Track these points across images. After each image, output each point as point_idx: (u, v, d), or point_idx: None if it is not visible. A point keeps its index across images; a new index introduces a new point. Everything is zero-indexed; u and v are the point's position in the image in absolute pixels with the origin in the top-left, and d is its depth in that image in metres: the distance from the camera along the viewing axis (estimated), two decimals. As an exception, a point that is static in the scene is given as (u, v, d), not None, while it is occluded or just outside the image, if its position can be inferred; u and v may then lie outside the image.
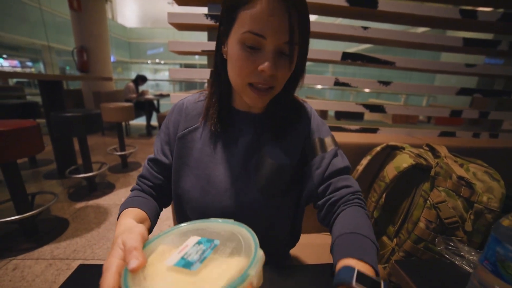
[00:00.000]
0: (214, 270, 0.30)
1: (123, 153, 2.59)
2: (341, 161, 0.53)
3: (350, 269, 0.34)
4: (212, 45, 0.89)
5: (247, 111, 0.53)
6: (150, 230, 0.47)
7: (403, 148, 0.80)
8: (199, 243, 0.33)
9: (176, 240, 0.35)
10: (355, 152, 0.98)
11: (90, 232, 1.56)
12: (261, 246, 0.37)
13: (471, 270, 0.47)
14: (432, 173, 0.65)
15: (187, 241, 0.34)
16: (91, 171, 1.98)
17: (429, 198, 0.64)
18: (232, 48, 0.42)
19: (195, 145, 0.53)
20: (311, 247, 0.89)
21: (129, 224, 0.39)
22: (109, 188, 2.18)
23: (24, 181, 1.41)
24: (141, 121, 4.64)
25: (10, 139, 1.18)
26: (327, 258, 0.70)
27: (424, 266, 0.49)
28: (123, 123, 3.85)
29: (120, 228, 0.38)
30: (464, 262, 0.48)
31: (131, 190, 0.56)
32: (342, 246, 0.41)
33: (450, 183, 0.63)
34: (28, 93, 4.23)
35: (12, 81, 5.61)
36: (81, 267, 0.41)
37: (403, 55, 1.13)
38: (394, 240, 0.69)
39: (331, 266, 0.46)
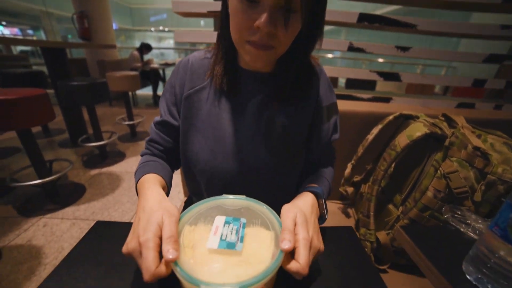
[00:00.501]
0: (253, 247, 0.32)
1: (131, 122, 2.62)
2: (337, 134, 0.59)
3: (323, 191, 0.49)
4: (218, 5, 0.82)
5: (255, 70, 0.50)
6: (167, 195, 0.47)
7: (418, 117, 0.76)
8: (227, 222, 0.35)
9: (199, 220, 0.35)
10: (366, 121, 0.95)
11: (106, 197, 1.66)
12: (273, 205, 0.39)
13: (475, 237, 0.47)
14: (447, 143, 0.62)
15: (215, 221, 0.34)
16: (101, 140, 2.04)
17: (440, 168, 0.62)
18: (232, 0, 0.38)
19: (202, 106, 0.51)
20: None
21: (163, 198, 0.38)
22: (120, 156, 2.26)
23: (41, 149, 1.47)
24: (147, 91, 4.61)
25: (22, 107, 1.20)
26: (332, 224, 0.71)
27: (428, 232, 0.50)
28: (130, 93, 3.84)
29: (153, 197, 0.37)
30: (470, 229, 0.49)
31: (141, 155, 0.56)
32: (312, 180, 0.54)
33: (464, 154, 0.60)
34: (33, 63, 4.18)
35: (16, 50, 5.53)
36: (98, 223, 0.44)
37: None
38: (400, 208, 0.70)
39: (341, 228, 0.48)
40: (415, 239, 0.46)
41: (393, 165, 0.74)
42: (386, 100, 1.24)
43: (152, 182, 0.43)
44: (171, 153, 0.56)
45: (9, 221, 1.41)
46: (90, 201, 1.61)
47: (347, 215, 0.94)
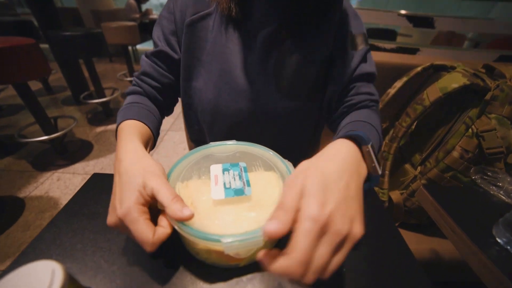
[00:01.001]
0: (260, 189, 0.29)
1: (133, 78, 2.51)
2: (369, 66, 0.45)
3: (366, 135, 0.29)
4: None
5: None
6: (152, 147, 0.41)
7: (453, 68, 0.65)
8: (226, 170, 0.31)
9: (191, 174, 0.31)
10: (388, 74, 0.84)
11: (113, 153, 1.69)
12: (282, 155, 0.35)
13: (507, 200, 0.43)
14: (488, 96, 0.53)
15: (211, 171, 0.30)
16: (104, 96, 1.97)
17: (473, 126, 0.55)
18: None
19: (208, 35, 0.43)
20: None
21: (141, 154, 0.30)
22: (125, 114, 2.22)
23: (45, 107, 1.44)
24: (148, 46, 4.33)
25: (12, 57, 1.11)
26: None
27: (453, 193, 0.46)
28: (130, 48, 3.61)
29: (128, 156, 0.30)
30: (502, 192, 0.44)
31: (127, 93, 0.47)
32: (350, 128, 0.38)
33: (507, 110, 0.52)
34: (21, 12, 3.87)
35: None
36: (95, 176, 0.41)
37: None
38: (419, 168, 0.65)
39: None
40: (439, 199, 0.42)
41: (415, 122, 0.67)
42: (413, 51, 1.09)
43: (130, 133, 0.35)
44: (166, 91, 0.48)
45: (26, 175, 1.47)
46: (98, 157, 1.64)
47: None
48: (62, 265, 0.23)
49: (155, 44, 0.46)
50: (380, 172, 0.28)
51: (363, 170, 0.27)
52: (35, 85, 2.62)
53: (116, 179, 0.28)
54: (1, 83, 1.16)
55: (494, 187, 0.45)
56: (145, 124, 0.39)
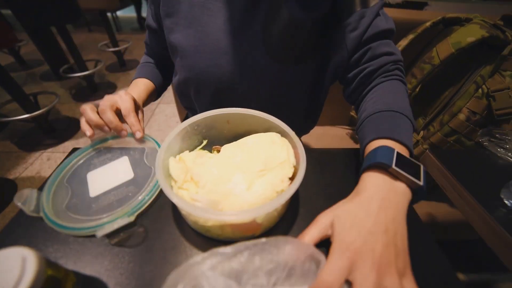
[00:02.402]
0: (266, 151, 0.27)
1: (116, 49, 2.31)
2: (385, 22, 0.39)
3: (388, 150, 0.27)
4: None
5: None
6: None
7: (468, 20, 0.59)
8: None
9: (182, 147, 0.30)
10: (393, 33, 0.77)
11: (103, 130, 1.62)
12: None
13: (516, 161, 0.41)
14: (506, 52, 0.48)
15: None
16: (86, 69, 1.83)
17: (483, 86, 0.51)
18: None
19: None
20: (325, 138, 0.86)
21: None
22: (111, 88, 2.10)
23: (21, 83, 1.33)
24: (130, 12, 3.95)
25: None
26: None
27: (460, 156, 0.44)
28: (110, 15, 3.27)
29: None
30: (510, 154, 0.42)
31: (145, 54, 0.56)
32: (375, 124, 0.34)
33: (523, 65, 0.48)
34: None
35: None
36: (74, 150, 0.37)
37: None
38: (421, 132, 0.62)
39: (357, 150, 0.41)
40: (445, 163, 0.40)
41: (420, 84, 0.62)
42: (420, 5, 0.99)
43: (137, 86, 0.47)
44: (165, 60, 0.53)
45: (13, 156, 1.42)
46: (88, 135, 1.58)
47: (356, 141, 0.88)
48: (35, 251, 0.20)
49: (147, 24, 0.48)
50: (422, 183, 0.26)
51: (401, 192, 0.26)
52: (5, 59, 2.41)
53: None
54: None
55: (502, 149, 0.43)
56: (149, 79, 0.51)
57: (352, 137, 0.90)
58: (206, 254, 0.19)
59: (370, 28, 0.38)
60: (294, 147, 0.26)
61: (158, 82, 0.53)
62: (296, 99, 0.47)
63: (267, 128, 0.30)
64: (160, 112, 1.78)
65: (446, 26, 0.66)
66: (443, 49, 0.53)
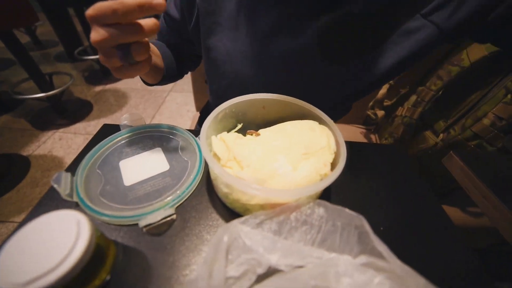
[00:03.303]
0: (307, 136, 0.27)
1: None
2: None
3: None
4: None
5: None
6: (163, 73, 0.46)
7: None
8: None
9: (221, 128, 0.31)
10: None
11: (114, 114, 1.63)
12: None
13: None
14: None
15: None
16: (100, 53, 1.84)
17: (513, 90, 0.50)
18: None
19: None
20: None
21: None
22: (123, 73, 2.11)
23: (37, 63, 1.34)
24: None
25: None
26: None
27: (484, 159, 0.44)
28: None
29: None
30: (538, 160, 0.42)
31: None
32: None
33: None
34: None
35: None
36: (105, 126, 0.38)
37: None
38: (441, 135, 0.62)
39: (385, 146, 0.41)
40: (470, 164, 0.40)
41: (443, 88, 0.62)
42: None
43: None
44: (177, 53, 0.49)
45: (27, 133, 1.44)
46: (99, 117, 1.59)
47: (369, 140, 0.88)
48: (86, 216, 0.21)
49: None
50: None
51: None
52: (22, 38, 2.43)
53: None
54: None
55: (528, 155, 0.43)
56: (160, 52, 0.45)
57: (366, 136, 0.89)
58: (248, 216, 0.21)
59: None
60: (333, 134, 0.27)
61: (167, 65, 0.47)
62: (333, 96, 0.44)
63: (301, 116, 0.30)
64: (172, 100, 1.79)
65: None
66: (474, 52, 0.52)
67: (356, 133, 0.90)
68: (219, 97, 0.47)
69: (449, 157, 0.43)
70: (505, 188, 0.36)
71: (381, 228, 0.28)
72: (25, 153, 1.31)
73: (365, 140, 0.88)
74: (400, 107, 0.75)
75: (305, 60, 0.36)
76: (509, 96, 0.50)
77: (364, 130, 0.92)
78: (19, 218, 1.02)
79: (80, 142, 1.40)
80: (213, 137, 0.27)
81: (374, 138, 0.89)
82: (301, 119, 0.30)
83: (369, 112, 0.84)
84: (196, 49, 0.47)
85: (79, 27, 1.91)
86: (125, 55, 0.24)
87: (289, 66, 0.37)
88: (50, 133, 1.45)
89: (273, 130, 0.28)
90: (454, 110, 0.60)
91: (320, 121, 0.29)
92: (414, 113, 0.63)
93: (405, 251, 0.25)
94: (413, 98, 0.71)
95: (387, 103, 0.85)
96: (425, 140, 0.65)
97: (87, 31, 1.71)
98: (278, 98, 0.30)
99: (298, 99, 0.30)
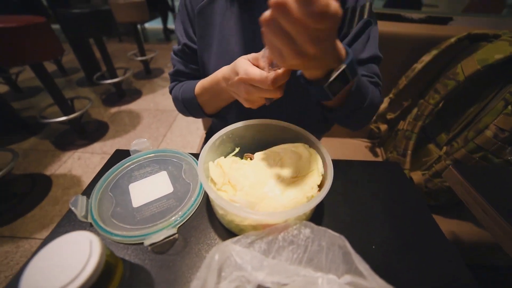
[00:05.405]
0: (295, 161, 0.29)
1: (144, 58, 2.48)
2: (364, 48, 0.41)
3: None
4: None
5: None
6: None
7: (497, 37, 0.58)
8: None
9: (218, 153, 0.33)
10: (414, 48, 0.77)
11: (128, 133, 1.72)
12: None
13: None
14: (535, 68, 0.48)
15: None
16: (116, 76, 1.98)
17: (512, 102, 0.50)
18: None
19: (215, 19, 0.43)
20: (345, 149, 0.87)
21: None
22: (137, 94, 2.24)
23: (61, 88, 1.48)
24: (157, 24, 4.21)
25: (25, 37, 1.11)
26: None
27: (485, 173, 0.43)
28: (139, 27, 3.52)
29: (218, 75, 0.38)
30: (541, 173, 0.41)
31: (171, 89, 0.52)
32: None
33: (555, 82, 0.47)
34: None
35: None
36: (117, 151, 0.42)
37: None
38: (444, 148, 0.61)
39: (378, 163, 0.42)
40: (470, 179, 0.40)
41: (442, 101, 0.62)
42: (444, 20, 0.99)
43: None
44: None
45: (50, 154, 1.55)
46: (114, 137, 1.69)
47: (375, 154, 0.88)
48: (98, 236, 0.24)
49: (178, 40, 0.49)
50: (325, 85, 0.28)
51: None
52: (49, 67, 2.66)
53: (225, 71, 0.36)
54: (18, 64, 1.18)
55: (532, 168, 0.42)
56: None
57: (371, 150, 0.89)
58: (240, 236, 0.22)
59: (354, 49, 0.40)
60: (321, 156, 0.29)
61: None
62: (310, 111, 0.49)
63: (294, 138, 0.33)
64: (182, 118, 1.87)
65: (472, 42, 0.66)
66: (468, 66, 0.53)
67: (361, 147, 0.91)
68: (218, 115, 0.51)
69: (449, 171, 0.43)
70: (507, 204, 0.36)
71: (373, 247, 0.28)
72: (48, 172, 1.40)
73: (370, 154, 0.88)
74: (402, 121, 0.75)
75: None
76: (509, 107, 0.50)
77: (369, 144, 0.92)
78: (41, 235, 1.08)
79: (97, 162, 1.48)
80: (210, 163, 0.29)
81: (379, 151, 0.89)
82: (294, 141, 0.32)
83: (372, 126, 0.85)
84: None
85: (97, 54, 2.07)
86: (270, 100, 0.30)
87: None
88: (70, 153, 1.55)
89: (266, 153, 0.31)
90: (454, 123, 0.60)
91: (310, 144, 0.31)
92: (415, 126, 0.63)
93: (397, 268, 0.25)
94: (415, 111, 0.71)
95: (390, 116, 0.85)
96: (429, 153, 0.65)
97: (105, 58, 1.86)
98: (272, 123, 0.33)
99: (289, 124, 0.33)
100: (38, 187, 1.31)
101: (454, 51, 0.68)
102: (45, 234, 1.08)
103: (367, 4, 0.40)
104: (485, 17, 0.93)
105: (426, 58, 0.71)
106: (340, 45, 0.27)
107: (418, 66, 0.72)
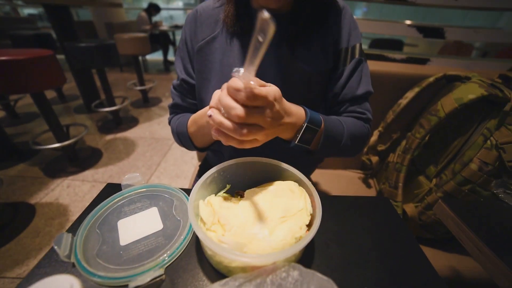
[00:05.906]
0: (286, 199, 0.30)
1: (143, 87, 2.57)
2: (359, 85, 0.46)
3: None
4: None
5: (268, 9, 0.42)
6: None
7: (468, 78, 0.64)
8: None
9: (209, 191, 0.34)
10: (398, 84, 0.83)
11: (122, 161, 1.70)
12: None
13: (533, 216, 0.41)
14: (508, 108, 0.52)
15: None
16: (114, 105, 2.02)
17: (491, 138, 0.53)
18: None
19: (215, 57, 0.45)
20: (338, 181, 0.87)
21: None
22: (133, 122, 2.27)
23: (58, 114, 1.49)
24: (157, 56, 4.45)
25: (30, 68, 1.16)
26: (352, 193, 0.66)
27: (474, 207, 0.44)
28: (140, 58, 3.71)
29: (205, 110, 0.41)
30: (527, 207, 0.42)
31: (170, 120, 0.54)
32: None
33: (527, 120, 0.50)
34: (41, 26, 4.08)
35: (23, 13, 5.38)
36: (109, 185, 0.42)
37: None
38: (434, 180, 0.63)
39: (371, 198, 0.43)
40: (459, 213, 0.40)
41: (429, 134, 0.65)
42: (423, 61, 1.08)
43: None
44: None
45: (38, 181, 1.49)
46: (107, 165, 1.66)
47: (368, 186, 0.88)
48: (79, 280, 0.23)
49: (178, 76, 0.51)
50: (295, 141, 0.35)
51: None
52: (50, 94, 2.71)
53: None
54: (20, 92, 1.20)
55: (518, 202, 0.43)
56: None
57: (364, 181, 0.90)
58: (228, 279, 0.22)
59: (345, 90, 0.45)
60: (310, 195, 0.29)
61: None
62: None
63: (285, 176, 0.34)
64: (176, 147, 1.87)
65: (449, 81, 0.72)
66: (447, 104, 0.57)
67: (354, 178, 0.92)
68: (209, 149, 0.52)
69: (439, 205, 0.43)
70: (497, 239, 0.36)
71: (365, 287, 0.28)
72: (32, 201, 1.34)
73: (363, 186, 0.89)
74: (392, 153, 0.78)
75: None
76: (488, 142, 0.53)
77: (362, 175, 0.93)
78: (12, 273, 0.99)
79: (86, 190, 1.43)
80: (201, 202, 0.29)
81: (372, 182, 0.90)
82: (284, 179, 0.33)
83: (364, 158, 0.87)
84: None
85: (98, 83, 2.15)
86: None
87: None
88: (59, 180, 1.50)
89: (256, 191, 0.31)
90: (441, 156, 0.62)
91: (300, 182, 0.31)
92: (404, 159, 0.65)
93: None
94: (403, 143, 0.74)
95: (381, 147, 0.88)
96: (420, 185, 0.66)
97: (105, 87, 1.92)
98: (262, 161, 0.34)
99: (280, 162, 0.34)
100: (20, 217, 1.24)
101: (433, 89, 0.74)
102: (17, 272, 0.99)
103: (357, 45, 0.45)
104: (457, 59, 1.03)
105: (410, 95, 0.76)
106: (294, 109, 0.33)
107: (403, 101, 0.77)
